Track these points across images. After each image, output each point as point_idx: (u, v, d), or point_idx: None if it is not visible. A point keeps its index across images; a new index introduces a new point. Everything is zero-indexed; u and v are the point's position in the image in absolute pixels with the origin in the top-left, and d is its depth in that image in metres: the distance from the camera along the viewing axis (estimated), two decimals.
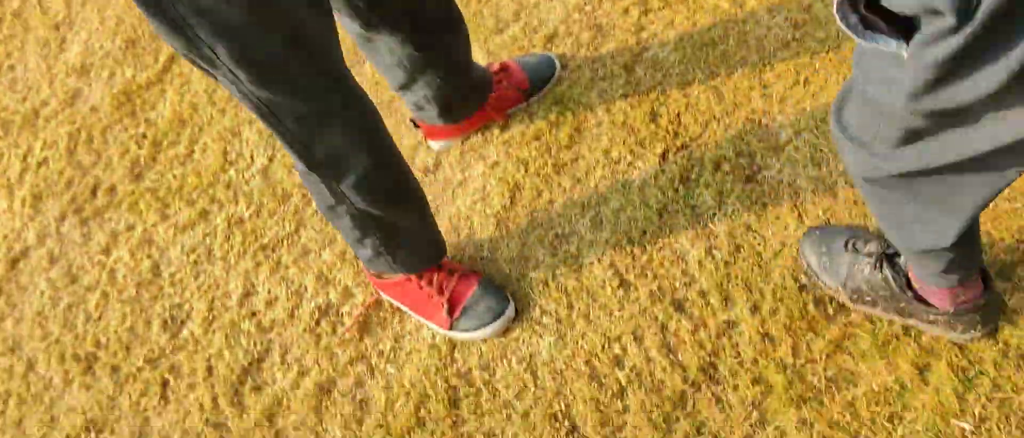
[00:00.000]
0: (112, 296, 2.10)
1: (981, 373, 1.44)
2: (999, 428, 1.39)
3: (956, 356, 1.46)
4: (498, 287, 1.77)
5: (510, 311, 1.74)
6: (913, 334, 1.50)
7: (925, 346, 1.49)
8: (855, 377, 1.50)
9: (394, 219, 1.59)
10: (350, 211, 1.52)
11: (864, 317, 1.54)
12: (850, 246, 1.53)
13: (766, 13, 2.00)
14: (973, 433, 1.40)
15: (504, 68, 2.03)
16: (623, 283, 1.73)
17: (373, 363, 1.80)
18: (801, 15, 1.97)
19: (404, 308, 1.80)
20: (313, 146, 1.35)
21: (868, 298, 1.49)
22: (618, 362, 1.65)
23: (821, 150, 1.77)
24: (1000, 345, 1.45)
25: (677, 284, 1.70)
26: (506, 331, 1.75)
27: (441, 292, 1.74)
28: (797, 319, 1.58)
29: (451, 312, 1.73)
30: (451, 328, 1.73)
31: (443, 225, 1.91)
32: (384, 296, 1.83)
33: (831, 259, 1.54)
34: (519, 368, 1.70)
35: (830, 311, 1.57)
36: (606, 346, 1.67)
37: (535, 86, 2.03)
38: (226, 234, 2.11)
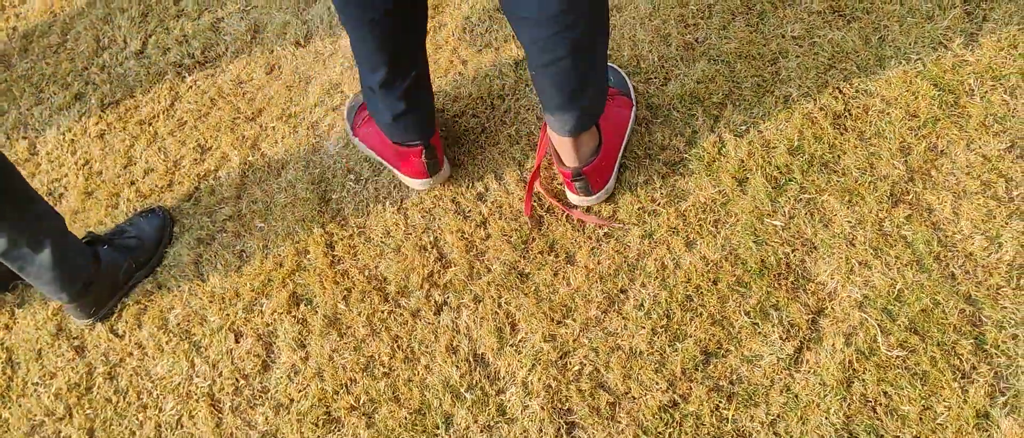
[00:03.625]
0: None
1: (790, 180, 1.66)
2: (805, 222, 1.61)
3: (770, 167, 1.68)
4: None
5: None
6: (732, 152, 1.71)
7: (744, 163, 1.69)
8: (686, 193, 1.70)
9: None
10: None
11: (687, 143, 1.74)
12: None
13: None
14: (784, 228, 1.61)
15: None
16: (484, 130, 1.88)
17: (246, 220, 1.90)
18: None
19: None
20: None
21: None
22: (481, 197, 1.80)
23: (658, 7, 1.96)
24: (807, 156, 1.67)
25: (533, 128, 1.86)
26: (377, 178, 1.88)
27: None
28: (636, 148, 1.77)
29: None
30: None
31: (315, 92, 2.03)
32: None
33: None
34: (391, 210, 1.83)
35: (663, 143, 1.76)
36: (470, 185, 1.82)
37: None
38: (100, 112, 2.16)
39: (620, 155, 1.73)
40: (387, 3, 1.43)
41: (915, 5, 1.81)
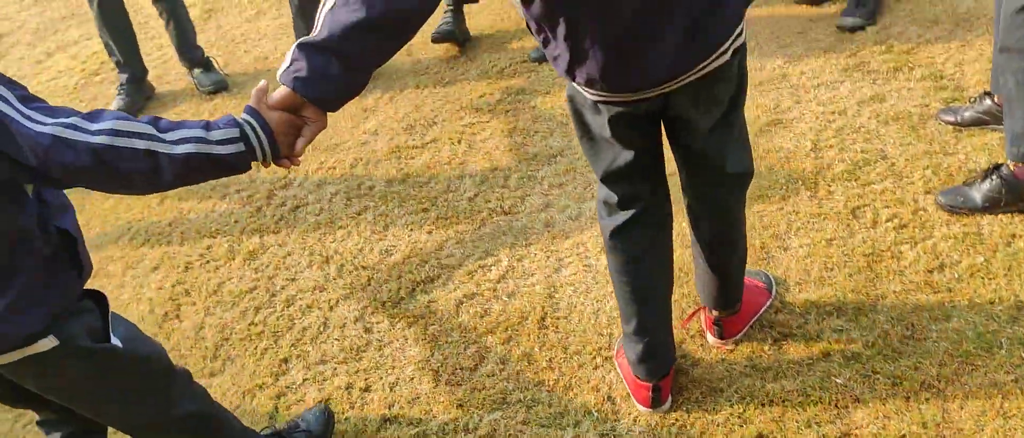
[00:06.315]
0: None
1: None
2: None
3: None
4: None
5: None
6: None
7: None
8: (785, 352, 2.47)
9: None
10: None
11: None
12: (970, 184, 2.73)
13: None
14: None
15: None
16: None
17: None
18: None
19: None
20: None
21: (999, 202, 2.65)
22: None
23: None
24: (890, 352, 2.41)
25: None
26: None
27: None
28: (763, 321, 2.59)
29: None
30: None
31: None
32: None
33: (964, 196, 2.73)
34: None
35: (774, 320, 2.57)
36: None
37: None
38: (434, 226, 3.35)
39: (750, 323, 2.55)
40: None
41: None
